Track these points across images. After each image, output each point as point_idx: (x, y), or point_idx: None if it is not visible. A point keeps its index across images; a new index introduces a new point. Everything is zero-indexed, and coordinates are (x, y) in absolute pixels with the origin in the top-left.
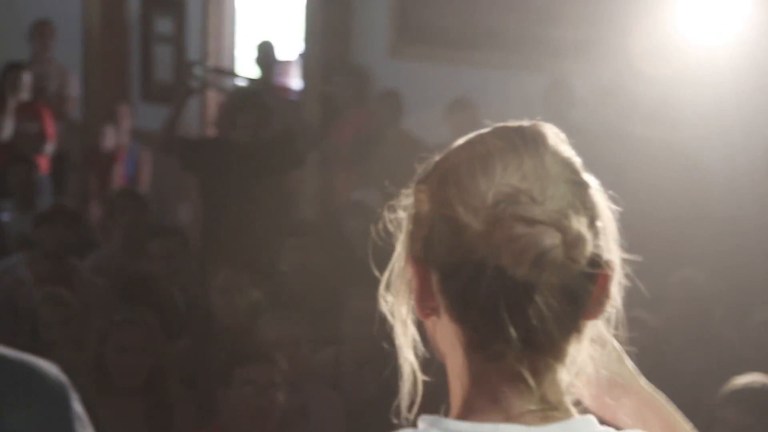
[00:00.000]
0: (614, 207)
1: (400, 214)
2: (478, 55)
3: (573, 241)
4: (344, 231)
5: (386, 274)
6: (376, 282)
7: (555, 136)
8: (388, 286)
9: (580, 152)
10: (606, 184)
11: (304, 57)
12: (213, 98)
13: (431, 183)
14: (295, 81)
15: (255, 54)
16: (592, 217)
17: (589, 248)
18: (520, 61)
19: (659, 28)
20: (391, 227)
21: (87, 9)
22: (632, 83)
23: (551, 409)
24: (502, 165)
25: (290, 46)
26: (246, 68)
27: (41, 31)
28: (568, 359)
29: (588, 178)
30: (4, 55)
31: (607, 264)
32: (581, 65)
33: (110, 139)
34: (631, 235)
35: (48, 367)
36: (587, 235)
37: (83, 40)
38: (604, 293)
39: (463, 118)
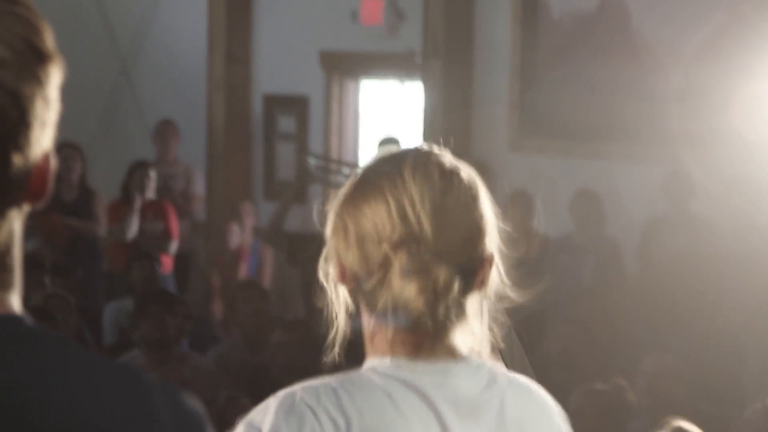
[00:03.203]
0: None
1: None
2: (597, 147)
3: (441, 289)
4: None
5: (324, 252)
6: None
7: (438, 154)
8: (326, 259)
9: (703, 244)
10: (734, 275)
11: None
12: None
13: (340, 214)
14: None
15: (378, 151)
16: (479, 227)
17: (455, 292)
18: (640, 151)
19: None
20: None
21: (211, 108)
22: (756, 172)
23: (446, 352)
24: (392, 202)
25: (412, 142)
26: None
27: (165, 131)
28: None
29: (477, 186)
30: (130, 155)
31: (489, 257)
32: (703, 155)
33: (235, 237)
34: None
35: (188, 397)
36: (455, 284)
37: (207, 139)
38: (485, 276)
39: (587, 210)
